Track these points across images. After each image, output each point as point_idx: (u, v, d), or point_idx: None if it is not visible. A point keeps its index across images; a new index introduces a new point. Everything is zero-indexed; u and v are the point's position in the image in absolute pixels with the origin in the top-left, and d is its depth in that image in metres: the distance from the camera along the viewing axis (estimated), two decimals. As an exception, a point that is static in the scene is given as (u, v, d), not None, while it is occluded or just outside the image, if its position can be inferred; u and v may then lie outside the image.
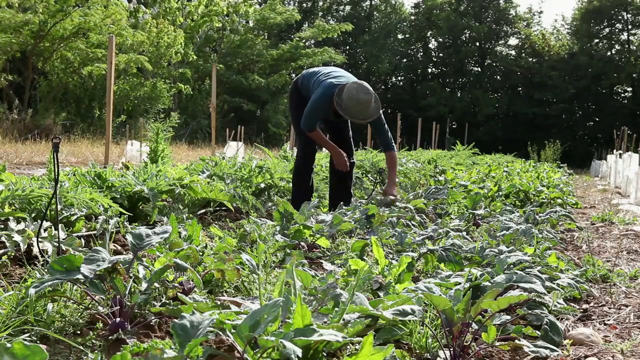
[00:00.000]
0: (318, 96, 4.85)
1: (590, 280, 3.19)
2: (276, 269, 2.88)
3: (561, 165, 18.52)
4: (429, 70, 49.01)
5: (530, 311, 2.34)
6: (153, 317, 2.08)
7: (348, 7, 49.88)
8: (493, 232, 4.03)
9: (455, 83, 48.64)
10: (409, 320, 2.00)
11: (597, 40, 45.01)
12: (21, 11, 21.87)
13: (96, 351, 1.83)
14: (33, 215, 3.28)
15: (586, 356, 2.04)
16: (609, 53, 44.46)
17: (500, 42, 47.90)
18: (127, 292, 2.03)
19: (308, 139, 5.05)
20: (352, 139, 5.39)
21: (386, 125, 5.14)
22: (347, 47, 46.92)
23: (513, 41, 47.89)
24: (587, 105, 43.82)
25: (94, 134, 21.43)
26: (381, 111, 4.98)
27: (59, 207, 3.26)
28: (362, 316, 1.89)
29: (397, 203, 5.06)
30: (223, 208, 5.02)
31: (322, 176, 6.69)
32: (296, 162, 5.26)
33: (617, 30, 45.12)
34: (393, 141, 5.25)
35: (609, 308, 2.71)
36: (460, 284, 2.33)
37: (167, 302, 2.22)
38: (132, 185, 4.08)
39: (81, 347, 1.83)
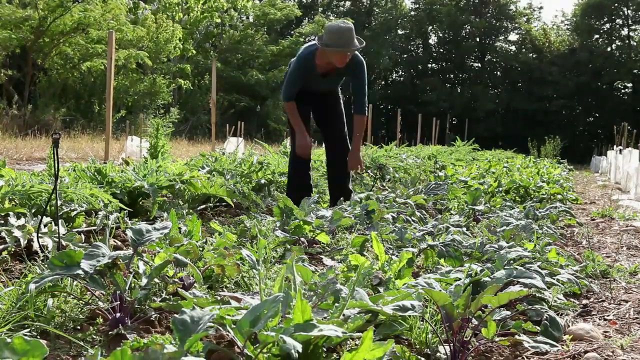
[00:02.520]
0: (296, 59, 4.85)
1: (590, 275, 3.19)
2: (276, 264, 2.88)
3: (561, 161, 18.52)
4: (429, 65, 48.97)
5: (530, 306, 2.35)
6: (153, 313, 2.08)
7: (348, 3, 49.83)
8: (493, 227, 4.03)
9: (455, 79, 48.63)
10: (409, 316, 2.00)
11: (597, 36, 44.97)
12: (21, 7, 21.85)
13: (96, 346, 1.83)
14: (33, 210, 3.28)
15: (586, 351, 2.04)
16: (609, 49, 44.42)
17: (500, 38, 47.86)
18: (127, 288, 2.03)
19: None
20: (343, 131, 5.15)
21: (366, 88, 4.95)
22: (347, 43, 46.80)
23: (513, 37, 47.93)
24: (587, 101, 43.77)
25: (94, 129, 21.41)
26: (365, 67, 4.88)
27: (59, 202, 3.26)
28: (362, 312, 1.89)
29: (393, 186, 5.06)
30: (223, 204, 5.02)
31: (321, 172, 6.69)
32: (290, 155, 5.19)
33: (617, 25, 45.07)
34: (367, 107, 5.05)
35: (609, 303, 2.71)
36: (460, 279, 2.33)
37: (168, 297, 2.22)
38: (132, 180, 4.08)
39: (81, 343, 1.83)
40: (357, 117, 4.96)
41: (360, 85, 4.90)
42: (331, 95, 5.14)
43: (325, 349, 1.71)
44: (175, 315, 1.55)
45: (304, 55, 4.80)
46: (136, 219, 3.82)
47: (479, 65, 48.02)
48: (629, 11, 44.36)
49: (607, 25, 44.89)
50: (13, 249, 2.75)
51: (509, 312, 2.17)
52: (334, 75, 4.93)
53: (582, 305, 2.65)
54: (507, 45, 48.01)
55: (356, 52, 4.83)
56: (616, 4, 43.84)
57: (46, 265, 2.10)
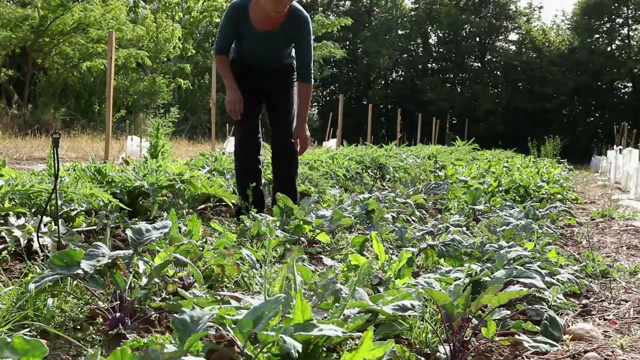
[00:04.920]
0: (226, 9, 4.29)
1: (590, 275, 3.19)
2: (276, 264, 2.89)
3: (561, 160, 18.52)
4: (429, 65, 48.95)
5: (530, 306, 2.35)
6: (153, 312, 2.08)
7: (348, 3, 49.79)
8: (493, 227, 4.03)
9: (455, 78, 48.62)
10: (409, 316, 2.00)
11: (597, 36, 44.98)
12: (20, 6, 21.85)
13: (96, 346, 1.83)
14: (33, 210, 3.28)
15: (586, 351, 2.04)
16: (609, 48, 44.42)
17: (500, 38, 47.86)
18: (127, 287, 2.03)
19: (245, 108, 4.29)
20: (291, 114, 4.41)
21: (312, 50, 4.29)
22: (347, 43, 46.78)
23: (513, 36, 47.93)
24: (587, 101, 43.78)
25: (94, 129, 21.40)
26: (310, 23, 4.23)
27: (59, 202, 3.26)
28: (362, 311, 1.89)
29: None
30: (223, 203, 5.02)
31: (321, 171, 6.68)
32: (236, 129, 4.58)
33: (617, 25, 45.06)
34: (312, 73, 4.32)
35: (609, 303, 2.71)
36: (460, 279, 2.33)
37: (167, 297, 2.22)
38: (132, 180, 4.07)
39: (81, 342, 1.83)
40: (301, 85, 4.28)
41: (305, 45, 4.22)
42: (280, 75, 4.44)
43: (325, 349, 1.71)
44: (175, 315, 1.55)
45: (235, 3, 4.18)
46: (136, 219, 3.81)
47: (479, 65, 48.01)
48: (629, 10, 44.36)
49: (607, 25, 44.89)
50: (13, 249, 2.75)
51: (508, 312, 2.17)
52: (275, 34, 4.23)
53: (582, 305, 2.65)
54: (507, 45, 48.03)
55: (299, 7, 4.20)
56: (616, 4, 43.83)
57: (46, 265, 2.10)
